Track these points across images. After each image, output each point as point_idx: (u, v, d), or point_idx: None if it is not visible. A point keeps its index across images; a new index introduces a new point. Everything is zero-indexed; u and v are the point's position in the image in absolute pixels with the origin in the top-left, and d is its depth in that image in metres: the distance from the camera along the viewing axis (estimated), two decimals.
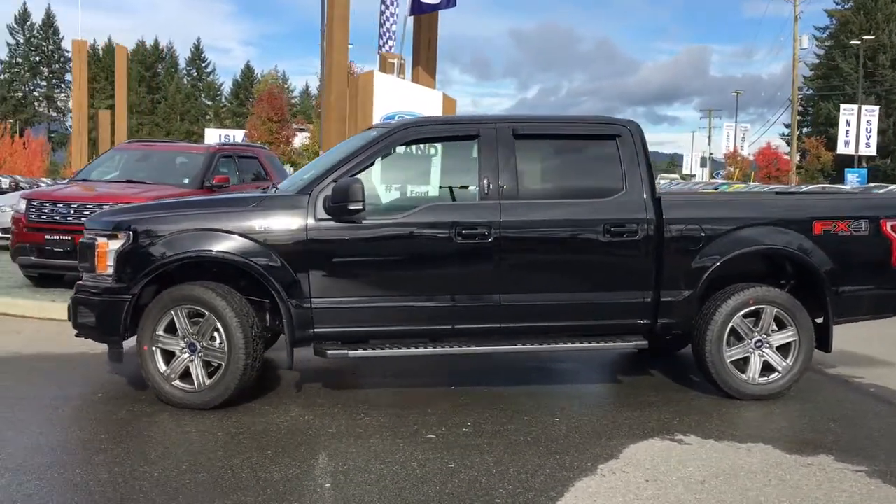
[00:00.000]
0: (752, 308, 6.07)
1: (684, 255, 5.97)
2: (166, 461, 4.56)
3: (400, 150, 5.97)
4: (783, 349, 6.14)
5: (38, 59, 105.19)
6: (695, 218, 6.02)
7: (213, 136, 56.79)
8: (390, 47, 21.26)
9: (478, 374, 6.77)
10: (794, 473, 4.58)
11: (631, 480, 4.43)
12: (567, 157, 6.21)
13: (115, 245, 5.58)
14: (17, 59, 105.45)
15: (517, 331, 5.90)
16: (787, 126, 51.87)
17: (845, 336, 6.88)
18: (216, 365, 5.55)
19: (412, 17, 11.97)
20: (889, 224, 6.24)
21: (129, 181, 10.69)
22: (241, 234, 5.54)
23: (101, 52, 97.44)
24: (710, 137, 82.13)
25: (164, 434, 5.09)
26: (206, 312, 5.51)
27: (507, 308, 5.79)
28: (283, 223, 5.58)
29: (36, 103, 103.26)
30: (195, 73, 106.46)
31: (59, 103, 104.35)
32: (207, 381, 5.53)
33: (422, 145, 6.21)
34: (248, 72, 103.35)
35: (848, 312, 6.31)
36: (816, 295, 6.21)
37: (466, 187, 5.91)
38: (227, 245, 5.52)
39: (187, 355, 5.56)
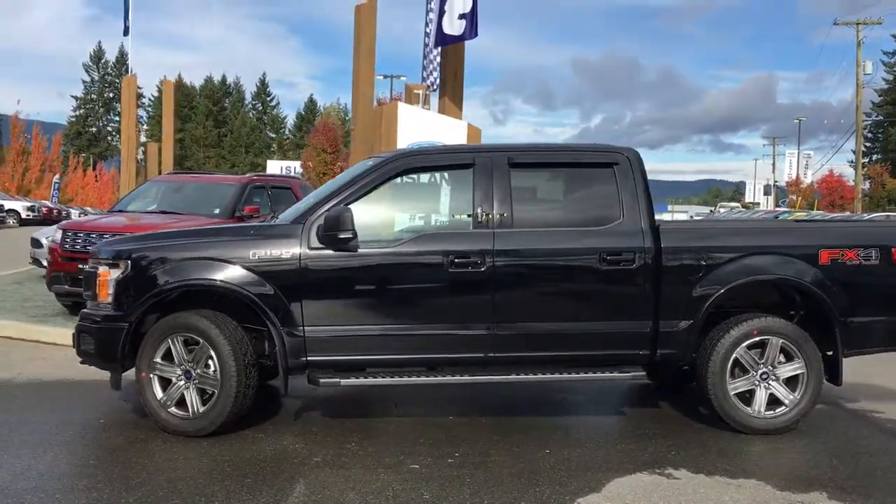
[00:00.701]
0: (757, 339, 5.91)
1: (684, 285, 5.86)
2: (145, 487, 4.61)
3: (398, 179, 6.01)
4: (791, 382, 5.96)
5: (111, 94, 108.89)
6: (694, 247, 5.91)
7: (274, 167, 58.58)
8: (435, 78, 21.49)
9: (480, 405, 6.71)
10: None
11: None
12: (563, 186, 6.17)
13: (116, 274, 5.71)
14: (92, 95, 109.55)
15: (512, 360, 5.84)
16: (854, 152, 50.56)
17: (873, 368, 6.64)
18: (210, 392, 5.61)
19: (439, 48, 12.04)
20: None
21: (162, 212, 10.96)
22: (236, 263, 5.61)
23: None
24: (773, 165, 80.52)
25: (151, 460, 5.15)
26: (201, 340, 5.59)
27: (501, 337, 5.75)
28: (278, 252, 5.64)
29: (109, 137, 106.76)
30: (260, 107, 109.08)
31: None
32: (202, 409, 5.60)
33: (420, 175, 6.22)
34: (311, 105, 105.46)
35: (859, 344, 6.10)
36: (826, 326, 6.02)
37: (462, 216, 5.90)
38: (221, 274, 5.61)
39: (183, 382, 5.64)
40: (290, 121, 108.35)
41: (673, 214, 76.75)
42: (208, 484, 4.69)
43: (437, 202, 6.23)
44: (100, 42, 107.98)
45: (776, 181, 79.41)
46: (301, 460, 5.18)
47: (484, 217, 5.76)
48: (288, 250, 5.64)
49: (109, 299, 5.71)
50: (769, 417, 5.93)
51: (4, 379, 7.23)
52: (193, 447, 5.38)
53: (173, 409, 5.65)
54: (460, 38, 10.60)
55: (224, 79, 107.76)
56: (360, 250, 5.66)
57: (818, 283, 5.92)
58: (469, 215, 5.82)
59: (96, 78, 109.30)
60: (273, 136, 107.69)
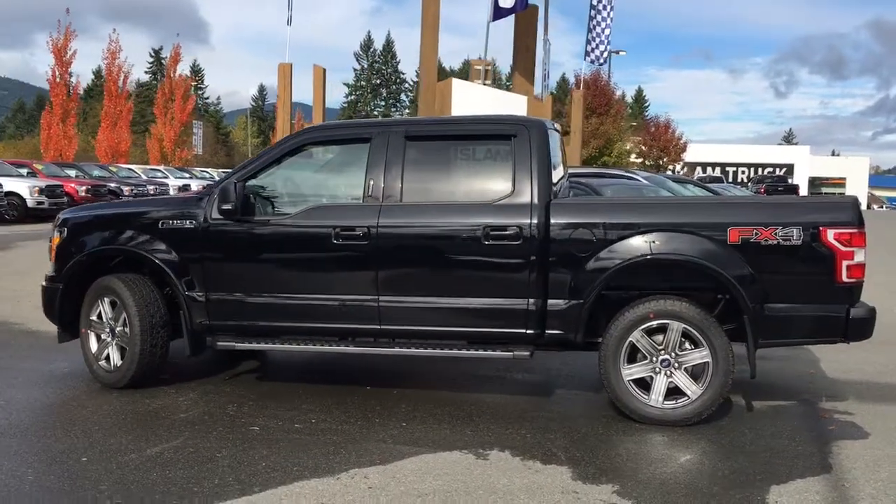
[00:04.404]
0: (656, 323, 5.48)
1: (574, 263, 5.54)
2: (40, 431, 5.22)
3: (305, 153, 6.21)
4: (699, 371, 5.47)
5: (378, 81, 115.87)
6: (586, 223, 5.56)
7: None
8: (602, 51, 20.98)
9: (418, 376, 6.77)
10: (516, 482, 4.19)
11: (358, 486, 4.33)
12: (459, 159, 6.02)
13: (57, 239, 6.45)
14: (362, 82, 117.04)
15: (398, 333, 5.86)
16: None
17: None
18: (127, 349, 6.17)
19: (513, 23, 11.84)
20: (832, 233, 5.28)
21: None
22: (149, 231, 6.13)
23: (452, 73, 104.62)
24: None
25: (67, 410, 5.72)
26: (118, 301, 6.17)
27: (387, 310, 5.79)
28: (185, 221, 6.07)
29: None
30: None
31: None
32: (118, 363, 6.19)
33: (330, 148, 6.37)
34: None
35: (776, 334, 5.44)
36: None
37: (357, 190, 5.98)
38: (133, 241, 6.14)
39: (109, 339, 6.25)
40: None
41: None
42: (97, 432, 5.25)
43: (336, 176, 6.35)
44: (369, 32, 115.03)
45: None
46: (172, 415, 5.59)
47: (373, 191, 5.81)
48: (192, 220, 6.05)
49: (53, 262, 6.46)
50: (668, 408, 5.48)
51: None
52: (112, 400, 5.94)
53: (102, 363, 6.29)
54: (512, 11, 10.40)
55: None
56: (255, 221, 5.95)
57: (723, 264, 5.35)
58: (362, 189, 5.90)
59: (365, 66, 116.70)
60: None
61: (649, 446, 5.11)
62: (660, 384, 5.50)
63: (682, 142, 58.35)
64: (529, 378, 6.85)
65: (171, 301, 6.23)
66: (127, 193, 30.30)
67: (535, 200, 5.60)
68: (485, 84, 10.75)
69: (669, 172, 47.33)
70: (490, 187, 5.79)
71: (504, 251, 5.61)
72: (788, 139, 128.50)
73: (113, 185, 30.37)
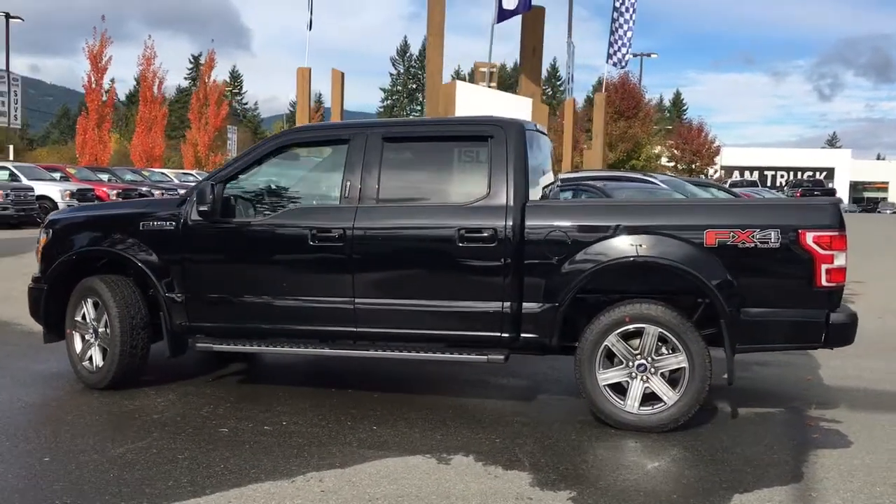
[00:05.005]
0: (632, 327, 5.37)
1: (549, 266, 5.46)
2: (11, 430, 5.25)
3: (283, 155, 6.20)
4: (676, 377, 5.36)
5: (414, 86, 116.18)
6: (560, 226, 5.47)
7: None
8: (623, 54, 20.78)
9: (402, 379, 6.73)
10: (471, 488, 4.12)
11: (311, 489, 4.29)
12: (436, 161, 5.95)
13: (44, 241, 6.51)
14: (398, 86, 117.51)
15: (375, 336, 5.81)
16: None
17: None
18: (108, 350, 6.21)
19: (519, 25, 11.75)
20: (811, 236, 5.14)
21: None
22: (131, 233, 6.16)
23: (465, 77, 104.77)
24: None
25: (44, 410, 5.78)
26: (100, 302, 6.20)
27: (363, 312, 5.75)
28: (165, 223, 6.09)
29: None
30: (550, 92, 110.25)
31: None
32: (100, 364, 6.22)
33: (307, 150, 6.36)
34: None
35: (754, 339, 5.31)
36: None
37: (335, 192, 5.95)
38: (118, 242, 6.18)
39: (92, 340, 6.29)
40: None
41: None
42: (64, 433, 5.26)
43: (315, 178, 6.34)
44: (405, 37, 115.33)
45: None
46: (147, 417, 5.59)
47: (350, 193, 5.78)
48: (172, 222, 6.06)
49: (39, 263, 6.52)
50: (644, 414, 5.37)
51: None
52: (88, 401, 5.98)
53: (86, 363, 6.32)
54: (515, 13, 10.33)
55: (517, 65, 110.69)
56: (233, 222, 5.96)
57: (699, 267, 5.23)
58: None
59: (402, 71, 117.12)
60: None
61: (619, 452, 5.01)
62: (636, 389, 5.39)
63: (714, 145, 57.59)
64: (514, 382, 6.77)
65: (154, 303, 6.25)
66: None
67: (511, 202, 5.52)
68: (490, 86, 10.69)
69: (703, 177, 46.79)
70: (466, 189, 5.73)
71: (479, 253, 5.54)
72: (832, 143, 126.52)
73: (144, 188, 30.76)
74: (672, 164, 54.62)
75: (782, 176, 78.55)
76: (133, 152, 48.71)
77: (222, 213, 5.93)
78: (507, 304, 5.50)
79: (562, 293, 5.43)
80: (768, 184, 70.63)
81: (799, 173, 75.97)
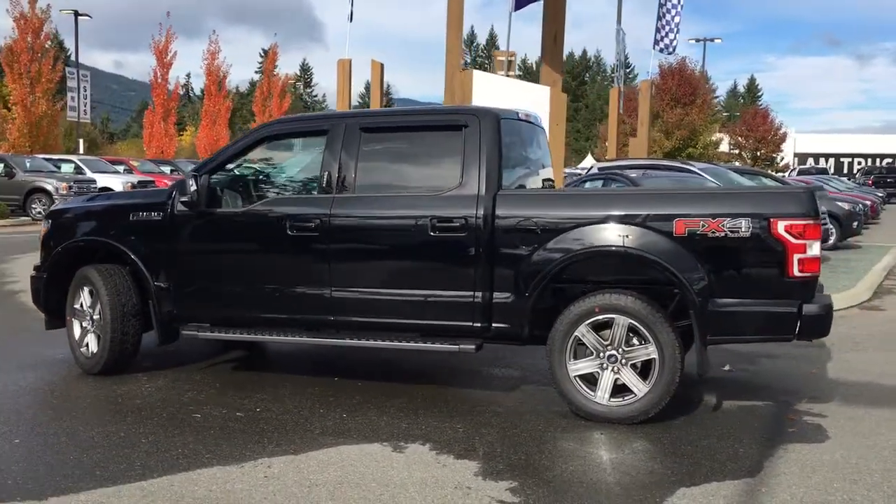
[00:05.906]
0: (602, 318, 5.30)
1: (520, 256, 5.42)
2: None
3: (271, 145, 6.29)
4: (647, 368, 5.27)
5: None
6: (530, 216, 5.41)
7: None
8: (671, 40, 20.38)
9: (392, 368, 6.77)
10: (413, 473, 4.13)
11: (256, 475, 4.36)
12: (412, 151, 5.93)
13: (44, 230, 6.74)
14: None
15: (348, 324, 5.85)
16: None
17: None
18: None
19: (539, 15, 11.61)
20: (782, 225, 4.98)
21: None
22: (123, 223, 6.32)
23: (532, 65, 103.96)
24: None
25: (35, 394, 5.98)
26: (94, 290, 6.39)
27: (337, 301, 5.80)
28: (154, 213, 6.24)
29: None
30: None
31: None
32: (94, 350, 6.41)
33: (292, 141, 6.42)
34: None
35: (725, 330, 5.17)
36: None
37: (314, 182, 6.01)
38: (109, 232, 6.36)
39: (88, 327, 6.49)
40: None
41: None
42: (56, 418, 5.50)
43: (296, 169, 6.41)
44: (472, 26, 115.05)
45: None
46: (130, 402, 5.74)
47: (328, 182, 5.83)
48: (160, 212, 6.21)
49: (40, 252, 6.75)
50: (614, 405, 5.29)
51: None
52: (82, 385, 6.21)
53: (83, 349, 6.52)
54: (532, 0, 10.22)
55: (585, 53, 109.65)
56: (215, 212, 6.07)
57: (667, 257, 5.13)
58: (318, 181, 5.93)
59: (469, 60, 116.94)
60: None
61: (581, 444, 4.94)
62: (606, 381, 5.31)
63: (781, 132, 55.86)
64: (505, 373, 6.74)
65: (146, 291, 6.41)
66: None
67: (482, 192, 5.49)
68: (507, 75, 10.61)
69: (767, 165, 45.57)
70: (440, 179, 5.71)
71: (450, 243, 5.53)
72: None
73: None
74: (736, 151, 53.31)
75: (859, 163, 76.00)
76: (198, 145, 49.83)
77: (207, 203, 6.04)
78: (479, 293, 5.48)
79: (532, 283, 5.38)
80: (845, 171, 68.45)
81: (878, 160, 73.39)
